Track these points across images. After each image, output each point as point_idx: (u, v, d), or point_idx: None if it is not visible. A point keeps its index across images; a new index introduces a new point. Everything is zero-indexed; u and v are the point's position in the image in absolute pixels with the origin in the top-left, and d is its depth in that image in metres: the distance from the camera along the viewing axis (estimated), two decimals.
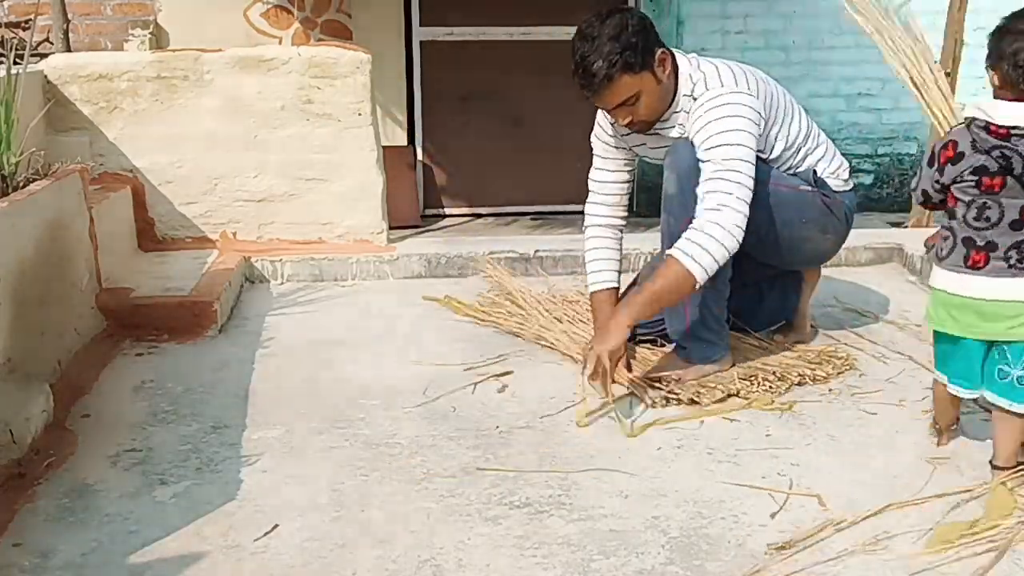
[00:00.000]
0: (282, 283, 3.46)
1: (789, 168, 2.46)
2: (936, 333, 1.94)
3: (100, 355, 2.61)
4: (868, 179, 6.01)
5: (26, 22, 4.98)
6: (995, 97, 1.81)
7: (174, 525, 1.73)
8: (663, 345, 2.59)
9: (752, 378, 2.38)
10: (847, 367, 2.52)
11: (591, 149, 2.63)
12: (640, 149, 2.53)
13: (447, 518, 1.77)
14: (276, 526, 1.73)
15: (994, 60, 1.80)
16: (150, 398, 2.35)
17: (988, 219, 1.80)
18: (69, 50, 4.17)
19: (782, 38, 5.79)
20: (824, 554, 1.63)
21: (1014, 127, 1.75)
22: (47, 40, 4.64)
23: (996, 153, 1.76)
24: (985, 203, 1.79)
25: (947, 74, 4.27)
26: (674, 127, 2.36)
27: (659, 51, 2.26)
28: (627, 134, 2.48)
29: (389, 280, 3.51)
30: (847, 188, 2.55)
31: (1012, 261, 1.79)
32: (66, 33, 4.22)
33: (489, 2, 5.53)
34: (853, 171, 6.02)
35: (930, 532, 1.70)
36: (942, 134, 3.29)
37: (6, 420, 1.91)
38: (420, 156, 5.69)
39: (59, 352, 2.40)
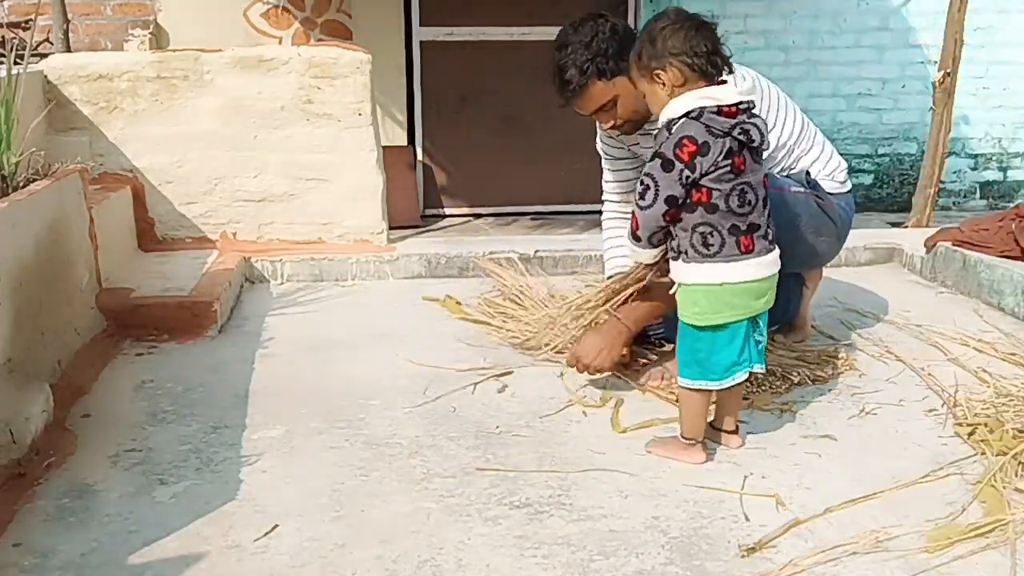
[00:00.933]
0: (282, 283, 3.46)
1: (782, 169, 2.44)
2: (697, 335, 1.92)
3: (100, 355, 2.61)
4: (868, 179, 6.02)
5: (26, 22, 4.98)
6: (670, 96, 1.88)
7: (174, 525, 1.73)
8: (663, 346, 2.59)
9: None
10: (847, 367, 2.52)
11: (591, 147, 2.68)
12: (636, 148, 2.54)
13: (447, 518, 1.77)
14: (276, 526, 1.73)
15: (664, 61, 1.87)
16: (150, 398, 2.35)
17: (749, 202, 1.87)
18: (69, 50, 4.17)
19: (782, 38, 5.79)
20: (826, 555, 1.63)
21: (739, 103, 1.85)
22: (47, 40, 4.64)
23: (737, 131, 1.84)
24: (743, 188, 1.86)
25: (947, 74, 4.27)
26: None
27: None
28: (620, 135, 2.49)
29: (389, 280, 3.51)
30: (843, 190, 2.52)
31: (769, 236, 1.92)
32: (66, 33, 4.22)
33: (489, 2, 5.53)
34: (853, 171, 6.02)
35: (929, 533, 1.70)
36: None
37: (6, 420, 1.91)
38: (420, 156, 5.69)
39: (59, 352, 2.40)
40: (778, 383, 2.37)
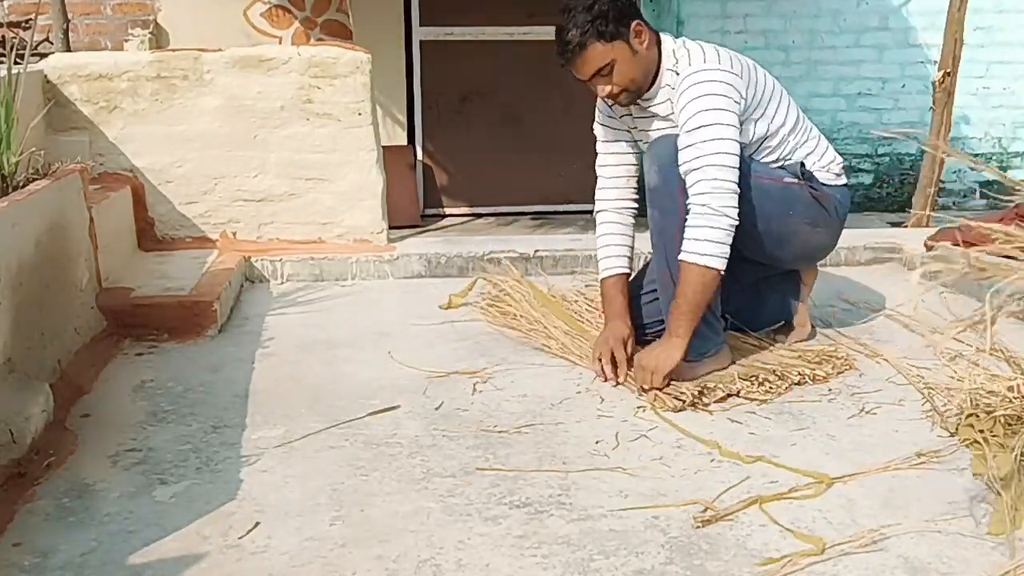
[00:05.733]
0: (282, 283, 3.46)
1: (776, 159, 2.46)
2: None
3: (100, 355, 2.61)
4: (868, 179, 6.02)
5: (26, 22, 4.98)
6: None
7: (174, 525, 1.73)
8: None
9: (752, 378, 2.37)
10: (847, 367, 2.52)
11: (591, 147, 2.66)
12: (635, 132, 2.55)
13: (447, 518, 1.77)
14: (258, 523, 1.74)
15: None
16: (150, 398, 2.36)
17: None
18: (69, 50, 4.17)
19: (782, 38, 5.80)
20: (826, 554, 1.63)
21: None
22: (47, 40, 4.65)
23: None
24: None
25: (947, 74, 4.28)
26: (662, 103, 2.39)
27: (634, 23, 2.31)
28: (623, 115, 2.50)
29: (389, 280, 3.52)
30: (839, 183, 2.55)
31: None
32: (66, 33, 4.23)
33: (489, 2, 5.53)
34: (853, 171, 6.04)
35: (929, 533, 1.70)
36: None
37: (6, 420, 1.91)
38: (420, 156, 5.69)
39: (59, 352, 2.40)
40: (778, 383, 2.37)
